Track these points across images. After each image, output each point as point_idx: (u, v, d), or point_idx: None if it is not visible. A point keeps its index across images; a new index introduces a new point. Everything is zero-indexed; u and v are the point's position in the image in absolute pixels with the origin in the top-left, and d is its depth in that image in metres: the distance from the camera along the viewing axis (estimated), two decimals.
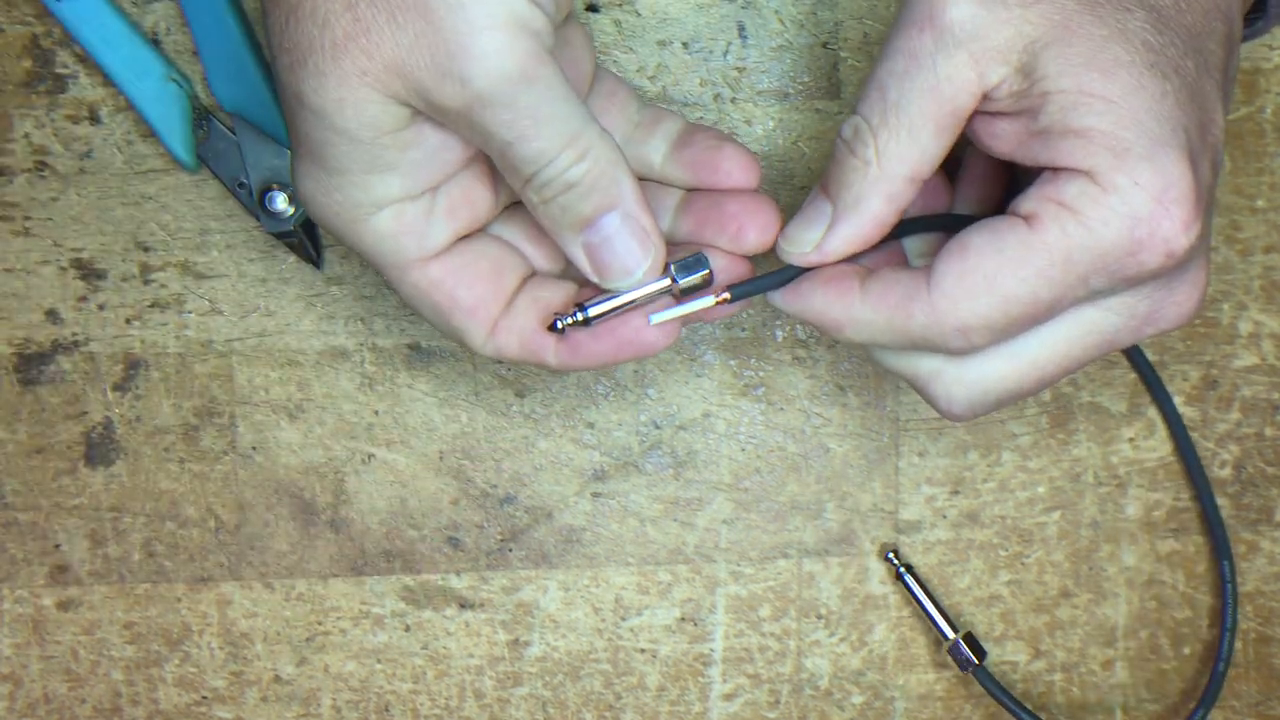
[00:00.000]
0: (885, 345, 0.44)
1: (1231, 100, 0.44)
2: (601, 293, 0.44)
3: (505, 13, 0.38)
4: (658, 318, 0.44)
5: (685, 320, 0.45)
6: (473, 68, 0.38)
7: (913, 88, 0.41)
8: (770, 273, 0.44)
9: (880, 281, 0.43)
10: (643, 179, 0.47)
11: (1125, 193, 0.39)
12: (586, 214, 0.42)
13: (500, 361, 0.46)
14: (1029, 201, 0.41)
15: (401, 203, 0.42)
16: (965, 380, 0.43)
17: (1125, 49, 0.40)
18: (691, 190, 0.47)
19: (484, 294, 0.44)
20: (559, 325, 0.44)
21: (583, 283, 0.46)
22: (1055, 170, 0.40)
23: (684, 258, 0.44)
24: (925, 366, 0.44)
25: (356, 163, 0.41)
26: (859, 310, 0.43)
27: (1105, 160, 0.39)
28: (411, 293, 0.44)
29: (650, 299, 0.44)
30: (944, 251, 0.42)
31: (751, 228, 0.45)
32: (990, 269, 0.41)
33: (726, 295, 0.44)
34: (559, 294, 0.45)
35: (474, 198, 0.44)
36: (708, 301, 0.44)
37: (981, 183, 0.47)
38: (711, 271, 0.44)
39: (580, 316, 0.44)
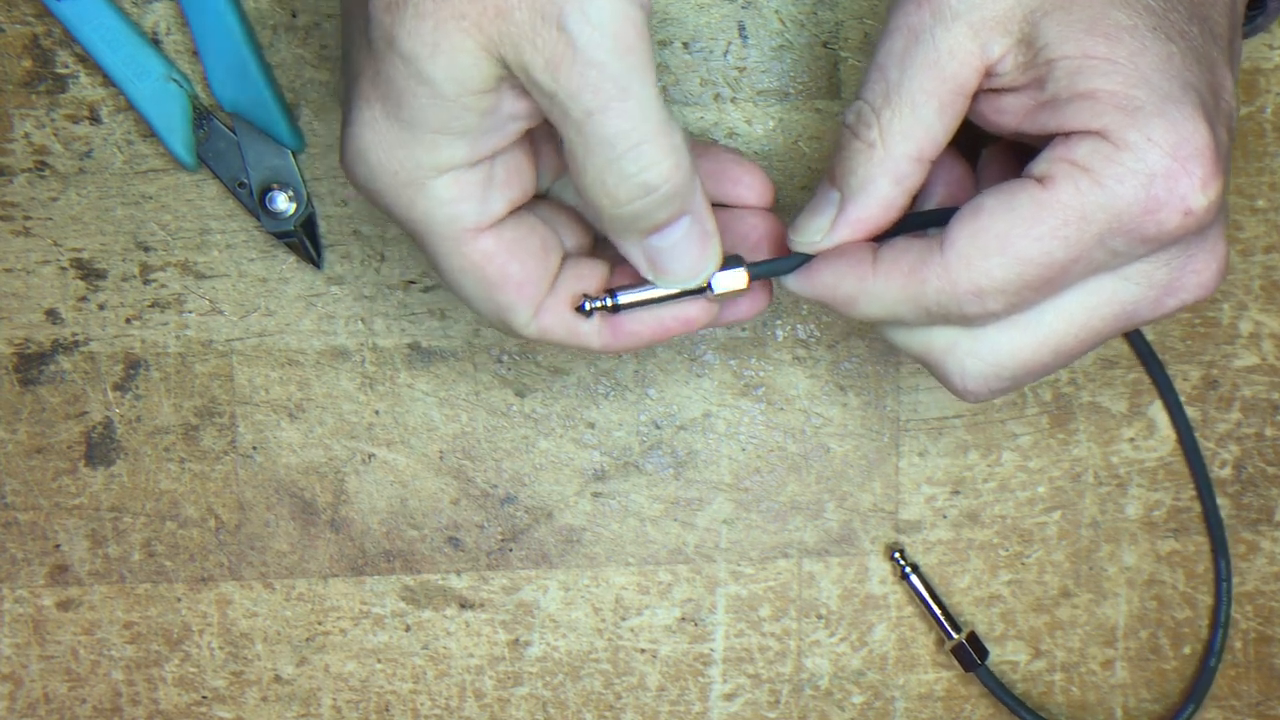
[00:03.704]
0: (900, 318, 0.43)
1: (1238, 77, 0.43)
2: (634, 281, 0.44)
3: None
4: None
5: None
6: (574, 14, 0.37)
7: (913, 64, 0.41)
8: (784, 256, 0.44)
9: (893, 249, 0.42)
10: None
11: (1139, 149, 0.38)
12: (660, 220, 0.41)
13: (542, 343, 0.45)
14: (1042, 163, 0.40)
15: (462, 169, 0.41)
16: (980, 353, 0.42)
17: (1126, 14, 0.39)
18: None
19: (534, 270, 0.43)
20: (587, 307, 0.44)
21: (615, 261, 0.45)
22: (1067, 134, 0.40)
23: (723, 259, 0.44)
24: (939, 340, 0.43)
25: (432, 119, 0.39)
26: (872, 282, 0.42)
27: (1116, 119, 0.39)
28: (460, 265, 0.42)
29: (683, 295, 0.44)
30: (957, 215, 0.41)
31: (768, 246, 0.46)
32: (1003, 229, 0.40)
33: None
34: (596, 274, 0.45)
35: (524, 171, 0.43)
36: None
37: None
38: (750, 277, 0.44)
39: (609, 303, 0.44)
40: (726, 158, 0.47)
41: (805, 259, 0.44)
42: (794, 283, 0.44)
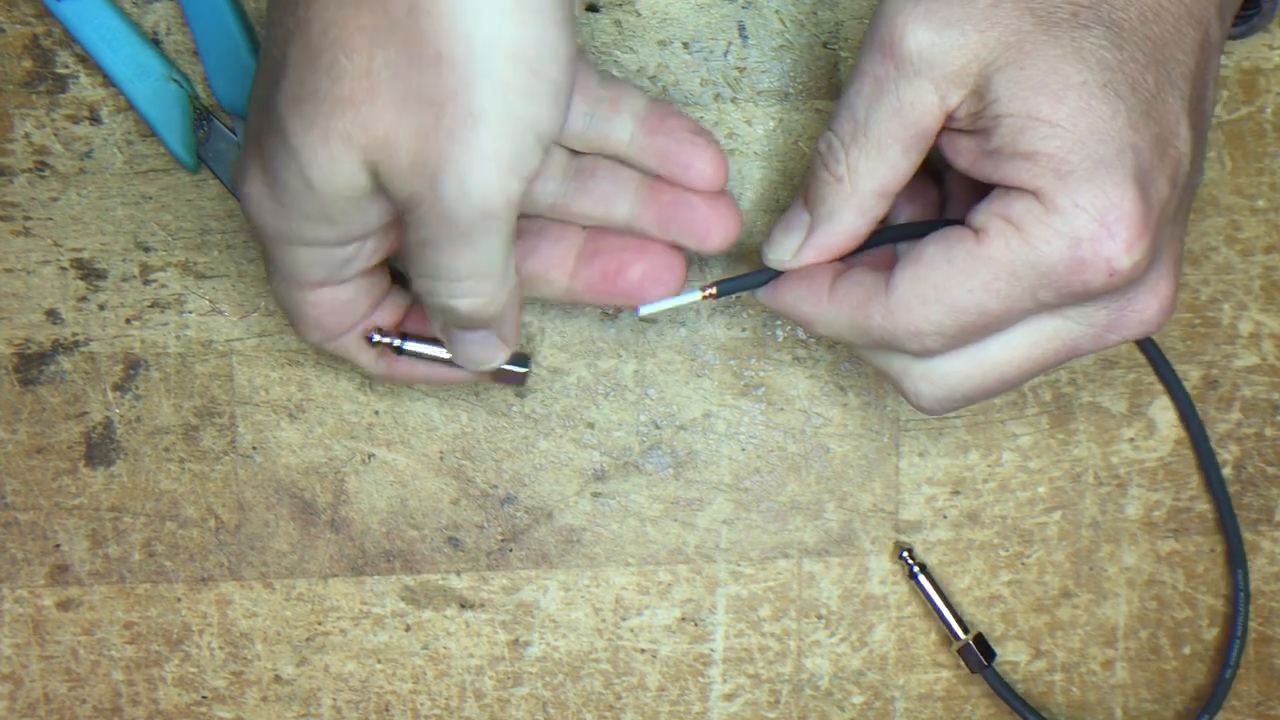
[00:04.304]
0: (852, 343, 0.46)
1: (1214, 104, 0.46)
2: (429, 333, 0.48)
3: (510, 154, 0.38)
4: (647, 310, 0.47)
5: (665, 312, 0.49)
6: (449, 180, 0.38)
7: (878, 110, 0.43)
8: (754, 271, 0.48)
9: (847, 281, 0.45)
10: (608, 157, 0.48)
11: (1067, 214, 0.41)
12: (461, 327, 0.44)
13: (321, 352, 0.50)
14: (980, 215, 0.43)
15: (326, 247, 0.43)
16: (931, 378, 0.45)
17: (1077, 70, 0.41)
18: (652, 176, 0.48)
19: (348, 319, 0.47)
20: (374, 339, 0.47)
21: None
22: (1006, 188, 0.42)
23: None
24: (895, 363, 0.46)
25: (304, 206, 0.41)
26: (826, 309, 0.45)
27: (1050, 182, 0.41)
28: (287, 297, 0.45)
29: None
30: (902, 259, 0.44)
31: (718, 233, 0.47)
32: (940, 279, 0.42)
33: (713, 290, 0.47)
34: (402, 304, 0.49)
35: (384, 248, 0.46)
36: (694, 296, 0.47)
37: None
38: (528, 372, 0.50)
39: (395, 343, 0.47)
40: (680, 136, 0.47)
41: (774, 275, 0.47)
42: (763, 295, 0.48)
